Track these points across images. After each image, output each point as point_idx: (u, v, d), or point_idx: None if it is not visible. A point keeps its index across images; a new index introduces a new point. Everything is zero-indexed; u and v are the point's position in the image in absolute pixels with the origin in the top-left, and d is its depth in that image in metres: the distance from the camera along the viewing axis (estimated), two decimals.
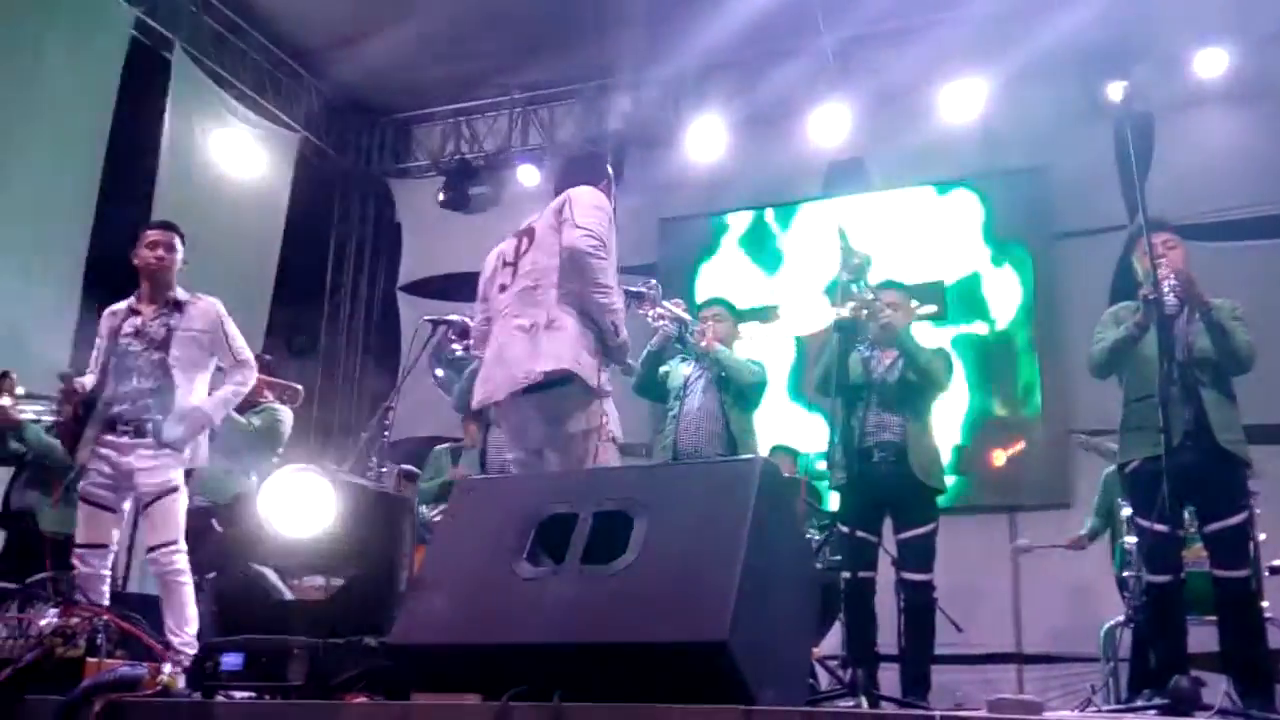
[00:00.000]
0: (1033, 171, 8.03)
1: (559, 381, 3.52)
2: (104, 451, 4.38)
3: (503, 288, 3.79)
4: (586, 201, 3.73)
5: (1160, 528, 3.75)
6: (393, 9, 8.02)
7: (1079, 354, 6.91)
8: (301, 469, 3.08)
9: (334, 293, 10.34)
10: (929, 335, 4.99)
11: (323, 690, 2.50)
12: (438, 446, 6.43)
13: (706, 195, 8.94)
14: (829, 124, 8.37)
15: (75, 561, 4.34)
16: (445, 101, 9.75)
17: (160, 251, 4.61)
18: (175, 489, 4.38)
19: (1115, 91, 7.33)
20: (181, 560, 4.36)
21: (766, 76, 8.42)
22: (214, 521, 5.60)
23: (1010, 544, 6.80)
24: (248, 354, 4.70)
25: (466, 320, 4.65)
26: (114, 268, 4.83)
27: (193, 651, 3.91)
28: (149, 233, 4.69)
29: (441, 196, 9.71)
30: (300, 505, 2.96)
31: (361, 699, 2.50)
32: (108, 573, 4.41)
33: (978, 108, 7.93)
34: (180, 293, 4.65)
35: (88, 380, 4.53)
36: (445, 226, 9.60)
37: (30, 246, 6.92)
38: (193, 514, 5.51)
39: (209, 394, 4.61)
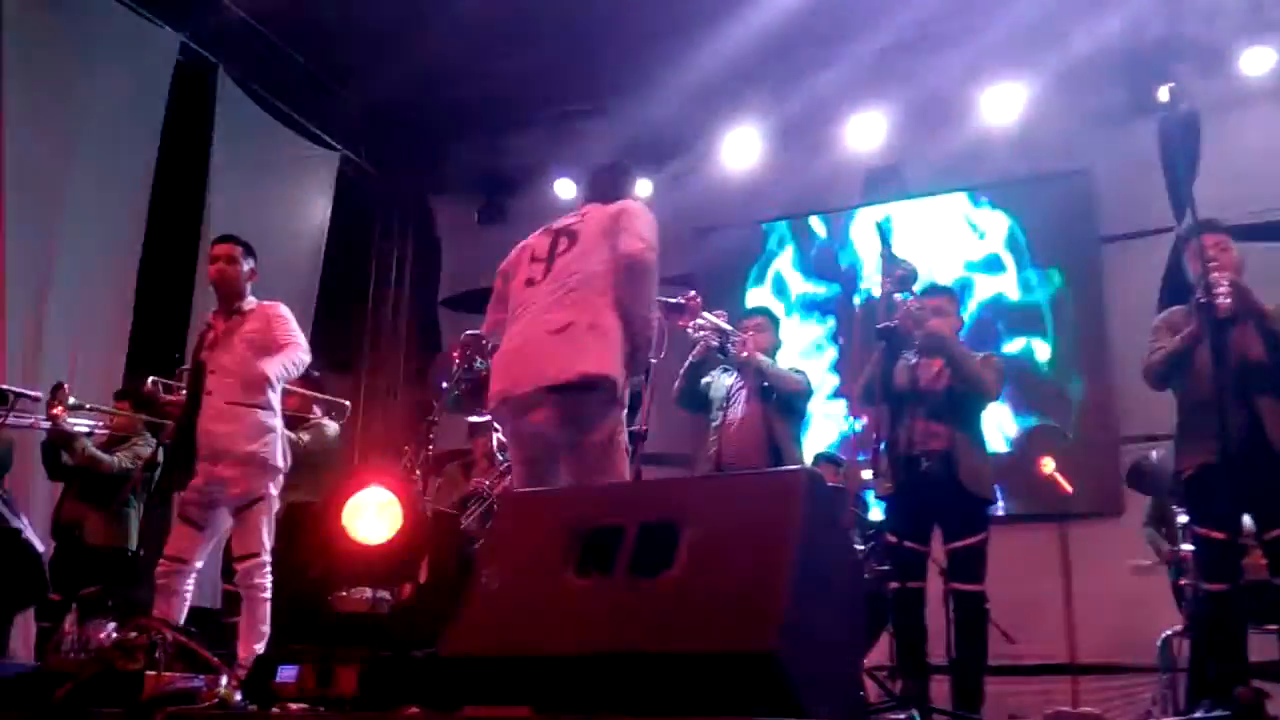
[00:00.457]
0: (1074, 175, 7.94)
1: (590, 386, 3.51)
2: (200, 467, 4.48)
3: (530, 282, 3.77)
4: (646, 216, 3.74)
5: (1218, 535, 3.69)
6: (428, 28, 8.08)
7: (1125, 359, 6.87)
8: (376, 486, 3.10)
9: (376, 308, 10.41)
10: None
11: (375, 702, 2.51)
12: (450, 465, 6.46)
13: (742, 205, 8.93)
14: (866, 131, 8.34)
15: (158, 572, 4.42)
16: (482, 117, 9.79)
17: (220, 264, 4.71)
18: (262, 497, 4.46)
19: (1163, 93, 7.24)
20: (263, 575, 4.42)
21: (802, 85, 8.39)
22: None
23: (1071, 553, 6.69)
24: (296, 338, 4.75)
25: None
26: (164, 288, 4.93)
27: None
28: (212, 248, 4.80)
29: (479, 211, 9.79)
30: (377, 519, 2.98)
31: (413, 711, 2.51)
32: (188, 588, 4.47)
33: (1017, 111, 7.86)
34: (249, 302, 4.73)
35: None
36: (484, 241, 9.64)
37: (85, 268, 7.05)
38: None
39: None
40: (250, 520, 4.44)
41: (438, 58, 8.36)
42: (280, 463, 4.62)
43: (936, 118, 8.12)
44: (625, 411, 3.69)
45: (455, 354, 4.62)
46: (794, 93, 8.39)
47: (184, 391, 4.82)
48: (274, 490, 4.56)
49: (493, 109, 9.55)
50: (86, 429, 6.06)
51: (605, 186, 3.99)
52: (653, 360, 4.17)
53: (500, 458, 6.05)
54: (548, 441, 3.65)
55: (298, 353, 4.70)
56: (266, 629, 4.33)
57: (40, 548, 3.73)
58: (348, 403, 6.46)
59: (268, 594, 4.40)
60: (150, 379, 5.41)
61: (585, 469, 3.57)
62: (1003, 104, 7.89)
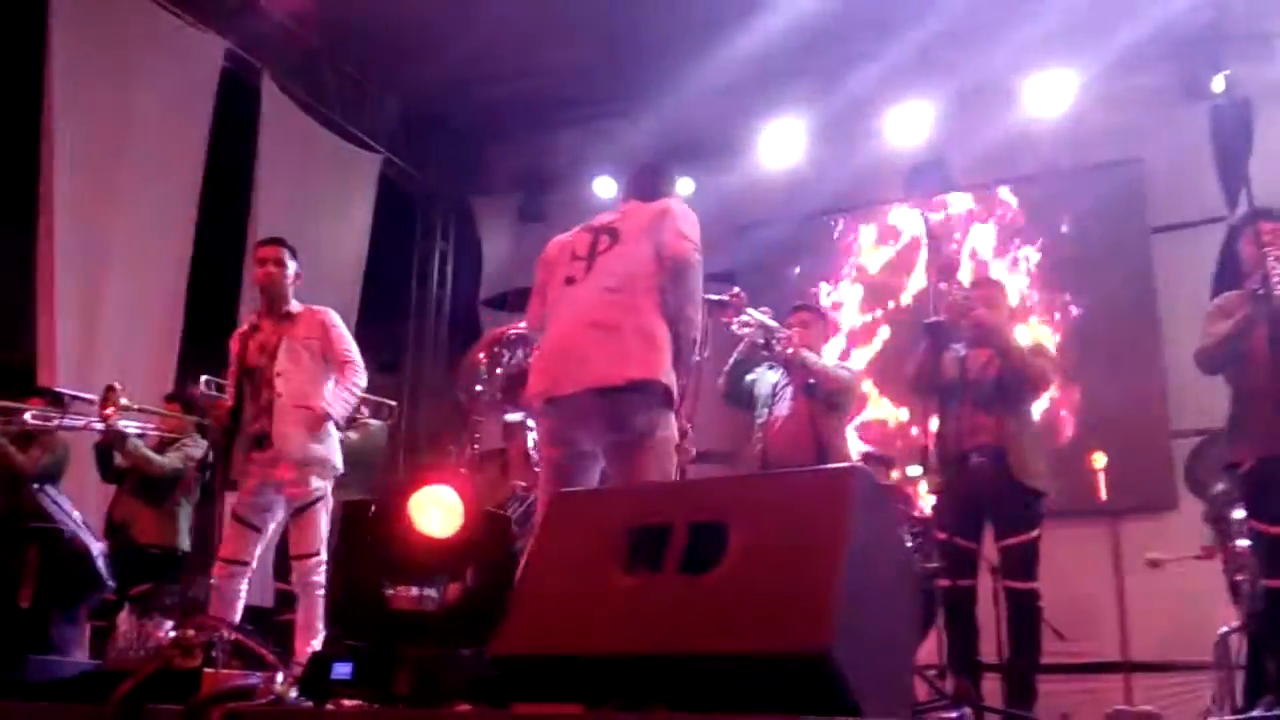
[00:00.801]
0: (1122, 165, 7.82)
1: (639, 389, 3.49)
2: (254, 468, 4.51)
3: (570, 280, 3.74)
4: (690, 215, 3.73)
5: (1277, 530, 3.62)
6: (467, 29, 8.12)
7: (1177, 351, 6.76)
8: (440, 484, 3.10)
9: (418, 308, 10.49)
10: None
11: (429, 699, 2.52)
12: (489, 465, 6.46)
13: (784, 200, 8.88)
14: (909, 124, 8.27)
15: (214, 574, 4.48)
16: (521, 117, 9.83)
17: (269, 267, 4.76)
18: (321, 498, 4.51)
19: (1218, 82, 7.11)
20: (321, 573, 4.48)
21: (843, 77, 8.33)
22: None
23: (1124, 551, 6.62)
24: (354, 355, 4.81)
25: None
26: (214, 291, 4.99)
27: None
28: (259, 251, 4.86)
29: (519, 211, 9.83)
30: (441, 515, 2.99)
31: (464, 708, 2.52)
32: (243, 588, 4.54)
33: (1064, 101, 7.76)
34: (294, 305, 4.78)
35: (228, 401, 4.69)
36: (524, 240, 9.69)
37: (136, 270, 7.16)
38: None
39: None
40: (309, 520, 4.51)
41: (477, 58, 8.40)
42: (338, 463, 4.69)
43: (981, 108, 8.03)
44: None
45: (481, 354, 4.63)
46: (835, 86, 8.33)
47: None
48: (329, 491, 4.61)
49: (532, 108, 9.58)
50: (138, 430, 6.15)
51: (646, 185, 3.96)
52: (696, 358, 4.16)
53: (535, 457, 6.05)
54: (587, 443, 3.63)
55: (355, 376, 4.77)
56: (322, 626, 4.39)
57: (95, 547, 3.80)
58: (393, 403, 6.51)
59: (323, 591, 4.46)
60: (204, 378, 5.47)
61: (635, 471, 3.54)
62: (1049, 93, 7.78)
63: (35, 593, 3.44)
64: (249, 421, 4.61)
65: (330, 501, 4.62)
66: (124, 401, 5.91)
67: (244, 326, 4.87)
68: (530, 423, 5.82)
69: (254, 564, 4.60)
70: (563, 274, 3.78)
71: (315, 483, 4.53)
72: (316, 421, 4.58)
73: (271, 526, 4.63)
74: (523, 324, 4.70)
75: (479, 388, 4.87)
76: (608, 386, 3.48)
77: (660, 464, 3.52)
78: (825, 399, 4.99)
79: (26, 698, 3.06)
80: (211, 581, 4.49)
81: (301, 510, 4.52)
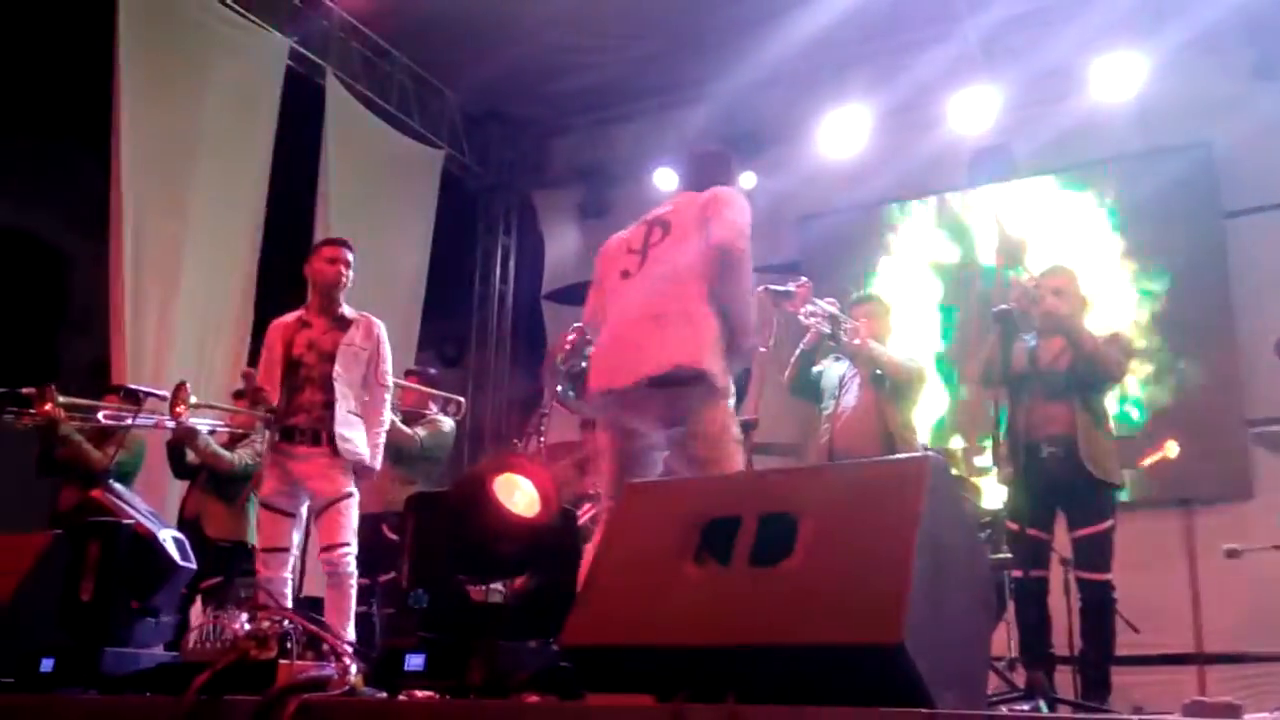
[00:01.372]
0: (1193, 148, 7.64)
1: (689, 380, 3.49)
2: (280, 459, 4.59)
3: (625, 274, 3.75)
4: (736, 202, 3.69)
5: None
6: (527, 23, 8.16)
7: (1253, 338, 6.61)
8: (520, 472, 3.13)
9: (481, 304, 10.57)
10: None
11: (501, 690, 2.54)
12: (562, 461, 6.46)
13: (847, 189, 8.80)
14: (973, 110, 8.13)
15: (258, 565, 4.57)
16: (581, 110, 9.86)
17: (340, 267, 4.81)
18: (349, 495, 4.56)
19: (1268, 62, 6.92)
20: (352, 562, 4.54)
21: (906, 65, 8.25)
22: (384, 528, 5.81)
23: (1198, 541, 6.50)
24: (390, 379, 4.90)
25: None
26: (282, 288, 5.06)
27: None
28: (327, 249, 4.89)
29: (581, 205, 9.86)
30: (523, 499, 3.02)
31: (535, 699, 2.54)
32: (288, 575, 4.62)
33: (1133, 84, 7.58)
34: (347, 310, 4.83)
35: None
36: (586, 234, 9.72)
37: (208, 269, 7.30)
38: (364, 520, 5.74)
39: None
40: (340, 512, 4.56)
41: (537, 52, 8.45)
42: (370, 461, 4.74)
43: (1048, 93, 7.89)
44: (733, 402, 3.66)
45: (568, 341, 4.65)
46: (898, 72, 8.25)
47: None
48: (356, 488, 4.67)
49: (592, 102, 9.61)
50: (209, 427, 6.26)
51: (698, 173, 3.95)
52: (761, 349, 4.15)
53: None
54: (646, 435, 3.65)
55: (384, 406, 4.86)
56: (353, 613, 4.51)
57: (164, 533, 3.87)
58: (462, 400, 6.58)
59: (354, 582, 4.55)
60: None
61: (695, 463, 3.55)
62: (1118, 76, 7.61)
63: (96, 586, 3.49)
64: (283, 414, 4.67)
65: (357, 494, 4.68)
66: (193, 399, 6.01)
67: (289, 318, 4.87)
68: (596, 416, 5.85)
69: (294, 549, 4.66)
70: (619, 268, 3.80)
71: (342, 480, 4.58)
72: (359, 429, 4.65)
73: (304, 510, 4.69)
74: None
75: (560, 387, 4.90)
76: (658, 375, 3.49)
77: (713, 455, 3.51)
78: (893, 389, 4.95)
79: (104, 690, 3.14)
80: (260, 574, 4.56)
81: (329, 507, 4.56)
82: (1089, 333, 4.46)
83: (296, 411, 4.64)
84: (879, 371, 4.96)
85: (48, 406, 5.86)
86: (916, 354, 5.29)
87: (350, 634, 4.37)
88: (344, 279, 4.82)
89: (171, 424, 5.97)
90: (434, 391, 6.44)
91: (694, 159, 4.07)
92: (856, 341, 5.00)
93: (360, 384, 4.76)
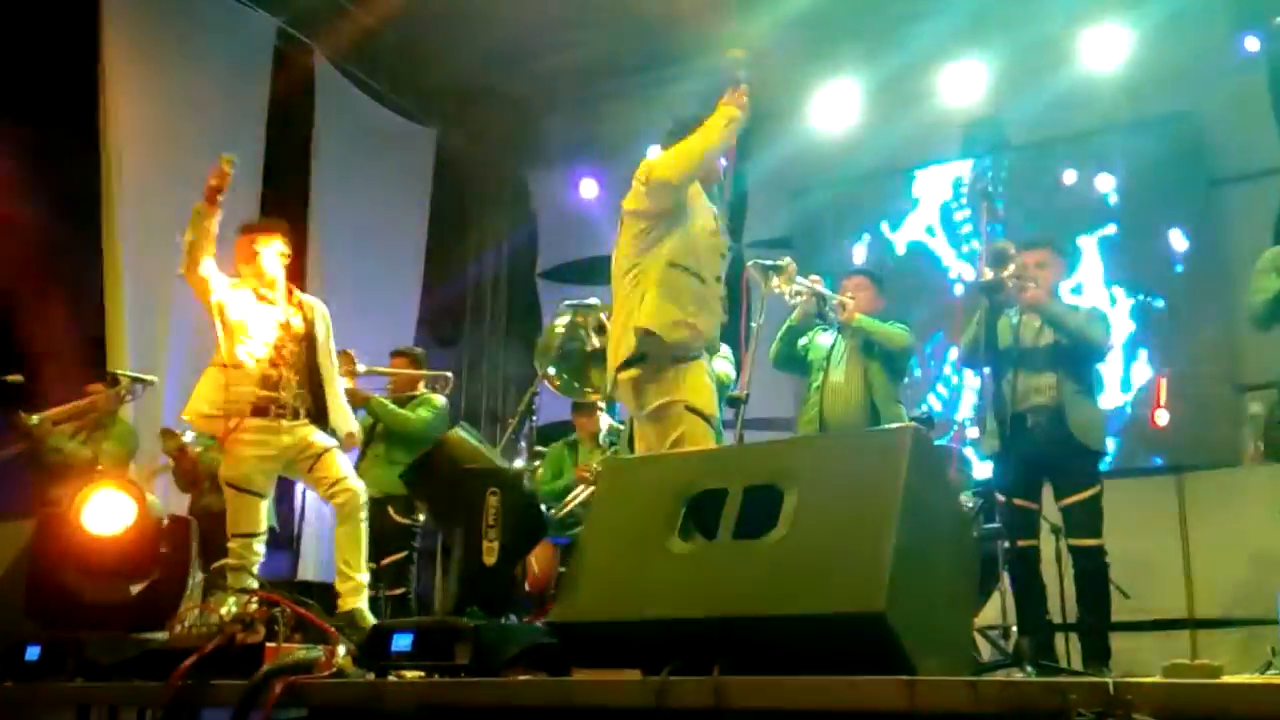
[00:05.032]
0: (1181, 117, 7.64)
1: (635, 361, 3.62)
2: (252, 437, 4.53)
3: (613, 274, 3.89)
4: (651, 161, 3.75)
5: None
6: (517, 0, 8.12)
7: (1241, 305, 6.61)
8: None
9: (476, 283, 10.53)
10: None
11: (488, 668, 2.56)
12: (554, 445, 6.46)
13: (838, 164, 8.77)
14: (963, 82, 8.10)
15: (231, 550, 4.54)
16: (573, 89, 9.79)
17: (282, 261, 4.74)
18: (330, 446, 4.58)
19: (1275, 31, 6.90)
20: (362, 494, 4.55)
21: (896, 38, 8.21)
22: (391, 510, 5.82)
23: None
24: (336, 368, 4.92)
25: (601, 316, 4.72)
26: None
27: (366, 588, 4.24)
28: (263, 235, 4.75)
29: (575, 183, 9.83)
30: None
31: (524, 676, 2.56)
32: (258, 557, 4.61)
33: (1121, 55, 7.56)
34: (295, 290, 4.82)
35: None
36: (579, 212, 9.70)
37: None
38: (369, 505, 5.75)
39: None
40: (338, 456, 4.60)
41: (529, 29, 8.39)
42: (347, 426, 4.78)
43: (1037, 65, 7.86)
44: (689, 371, 3.67)
45: (555, 332, 4.68)
46: (888, 46, 8.20)
47: None
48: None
49: (584, 79, 9.53)
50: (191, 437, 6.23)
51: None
52: (753, 324, 4.16)
53: (607, 441, 6.08)
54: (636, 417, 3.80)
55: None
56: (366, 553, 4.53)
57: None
58: (450, 375, 6.58)
59: (365, 514, 4.55)
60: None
61: (656, 438, 3.63)
62: (1105, 48, 7.58)
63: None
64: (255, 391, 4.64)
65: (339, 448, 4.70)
66: None
67: (234, 282, 4.75)
68: (602, 405, 5.88)
69: (263, 531, 4.66)
70: (617, 266, 3.90)
71: (320, 436, 4.61)
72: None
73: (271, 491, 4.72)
74: (592, 299, 4.80)
75: (551, 369, 4.92)
76: (621, 361, 3.64)
77: (673, 428, 3.59)
78: (882, 362, 4.96)
79: (91, 678, 3.15)
80: (231, 561, 4.53)
81: (316, 460, 4.57)
82: (1071, 313, 4.48)
83: (271, 386, 4.64)
84: (869, 342, 4.97)
85: (25, 432, 5.84)
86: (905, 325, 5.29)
87: (365, 575, 4.45)
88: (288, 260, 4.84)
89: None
90: (422, 372, 6.46)
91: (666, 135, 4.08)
92: (843, 316, 5.01)
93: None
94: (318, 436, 4.60)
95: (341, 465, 4.61)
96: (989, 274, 4.23)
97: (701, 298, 3.71)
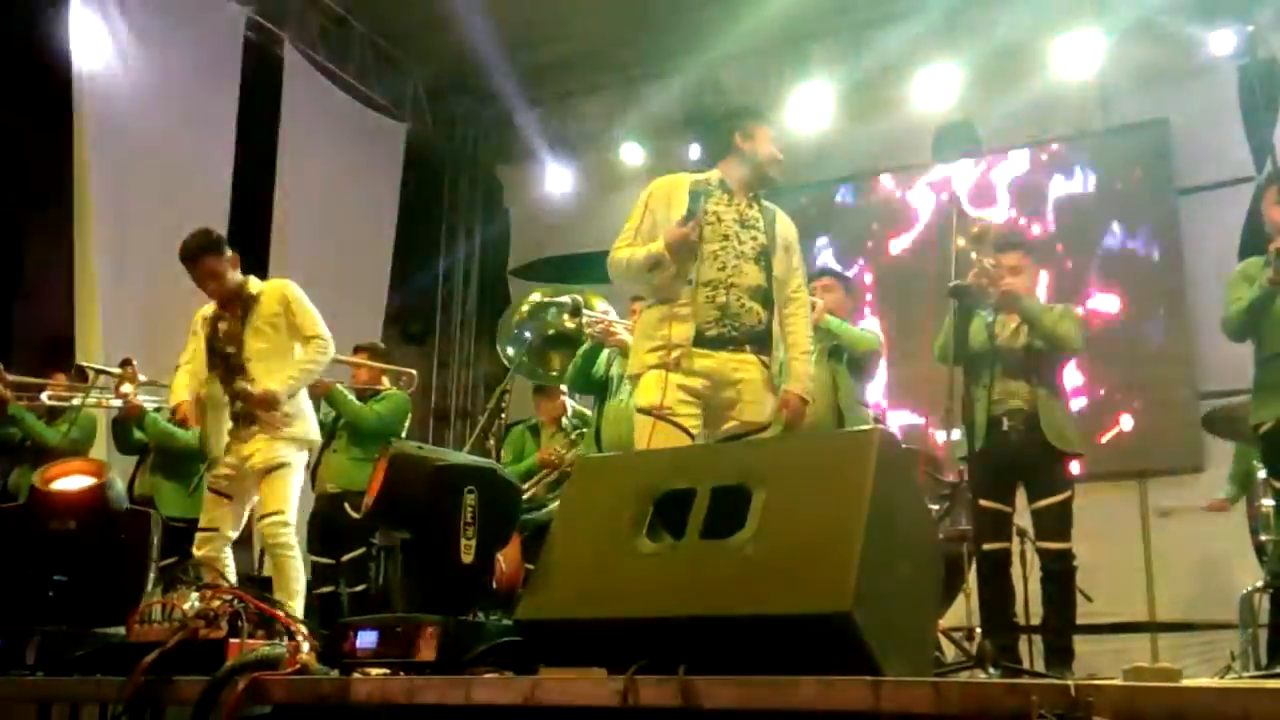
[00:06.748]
0: (1150, 126, 7.72)
1: None
2: (230, 443, 4.62)
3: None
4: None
5: None
6: None
7: (1205, 313, 6.69)
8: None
9: (446, 279, 10.47)
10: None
11: (454, 666, 2.55)
12: (515, 427, 6.41)
13: (809, 165, 8.78)
14: (936, 87, 8.15)
15: (197, 542, 4.56)
16: (547, 85, 9.77)
17: (211, 286, 4.75)
18: (284, 464, 4.56)
19: (1245, 42, 6.98)
20: (286, 533, 4.55)
21: (869, 41, 8.25)
22: (347, 506, 5.79)
23: (1149, 510, 6.60)
24: (319, 329, 4.75)
25: (578, 298, 4.71)
26: (245, 262, 4.97)
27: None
28: (188, 266, 4.77)
29: (547, 180, 9.80)
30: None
31: (490, 674, 2.55)
32: (224, 557, 4.60)
33: (1093, 62, 7.64)
34: (253, 283, 4.78)
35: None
36: (552, 209, 9.67)
37: (170, 245, 7.17)
38: (327, 500, 5.72)
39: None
40: (275, 482, 4.56)
41: (503, 24, 8.34)
42: (311, 436, 4.79)
43: (1009, 71, 7.91)
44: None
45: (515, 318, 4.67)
46: (861, 50, 8.25)
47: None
48: (297, 460, 4.68)
49: (558, 75, 9.51)
50: (155, 405, 6.19)
51: None
52: None
53: (570, 425, 6.06)
54: None
55: (319, 353, 4.75)
56: (300, 586, 4.52)
57: None
58: (413, 372, 6.55)
59: (294, 552, 4.55)
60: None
61: None
62: (1077, 55, 7.66)
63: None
64: (225, 402, 4.66)
65: (297, 468, 4.68)
66: (143, 378, 5.95)
67: (208, 310, 4.85)
68: (565, 389, 5.87)
69: (232, 533, 4.68)
70: None
71: (280, 450, 4.58)
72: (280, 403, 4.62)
73: (249, 495, 4.69)
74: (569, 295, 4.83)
75: (510, 349, 4.89)
76: None
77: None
78: (849, 364, 4.98)
79: (51, 672, 3.12)
80: (196, 552, 4.56)
81: (267, 474, 4.56)
82: (1044, 309, 4.52)
83: (234, 399, 4.70)
84: (836, 345, 4.98)
85: None
86: (873, 327, 5.32)
87: (296, 609, 4.38)
88: (220, 290, 4.78)
89: (118, 402, 5.93)
90: (384, 366, 6.42)
91: None
92: (812, 316, 5.01)
93: (285, 350, 4.80)
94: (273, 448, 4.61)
95: (271, 496, 4.60)
96: (956, 278, 4.26)
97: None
